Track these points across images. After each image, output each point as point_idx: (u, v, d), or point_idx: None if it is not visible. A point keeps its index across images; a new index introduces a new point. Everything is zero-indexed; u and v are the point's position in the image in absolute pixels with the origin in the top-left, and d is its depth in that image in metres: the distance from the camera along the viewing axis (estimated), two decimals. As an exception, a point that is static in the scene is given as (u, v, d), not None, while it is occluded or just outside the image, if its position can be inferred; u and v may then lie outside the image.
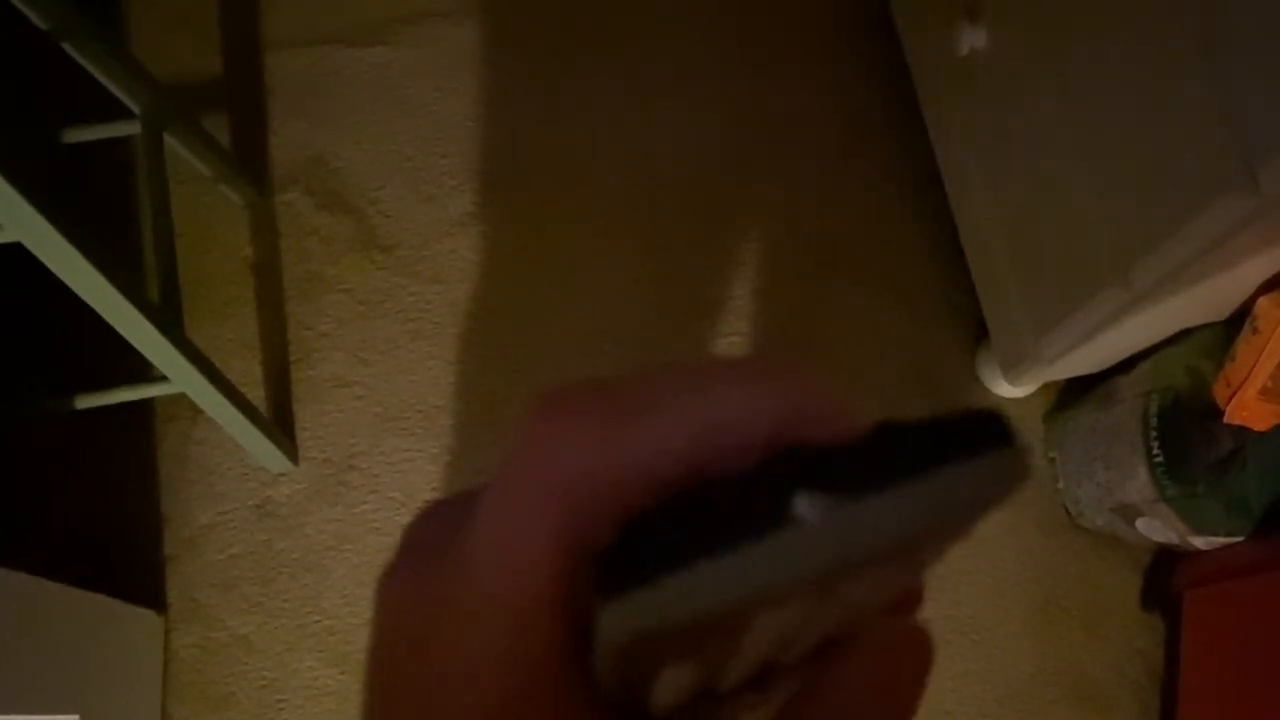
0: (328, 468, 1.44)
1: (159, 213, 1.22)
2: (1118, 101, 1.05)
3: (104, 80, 1.20)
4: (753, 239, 1.57)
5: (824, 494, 0.17)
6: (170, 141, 1.30)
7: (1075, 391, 1.48)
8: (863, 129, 1.63)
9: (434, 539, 0.22)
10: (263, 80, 1.61)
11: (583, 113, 1.62)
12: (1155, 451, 1.24)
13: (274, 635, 1.37)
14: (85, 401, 1.23)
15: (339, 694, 1.35)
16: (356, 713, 0.22)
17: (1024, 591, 1.44)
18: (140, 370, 1.18)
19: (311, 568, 1.40)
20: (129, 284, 1.01)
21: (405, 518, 0.24)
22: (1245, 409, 1.14)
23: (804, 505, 0.17)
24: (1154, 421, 1.25)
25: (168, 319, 1.09)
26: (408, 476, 1.44)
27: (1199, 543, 1.28)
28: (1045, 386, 1.49)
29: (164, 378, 1.16)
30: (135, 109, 1.25)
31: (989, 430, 0.19)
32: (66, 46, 1.12)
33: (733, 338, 1.53)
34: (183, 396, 1.19)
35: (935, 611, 1.42)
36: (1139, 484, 1.27)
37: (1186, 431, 1.23)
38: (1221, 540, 1.26)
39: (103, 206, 1.53)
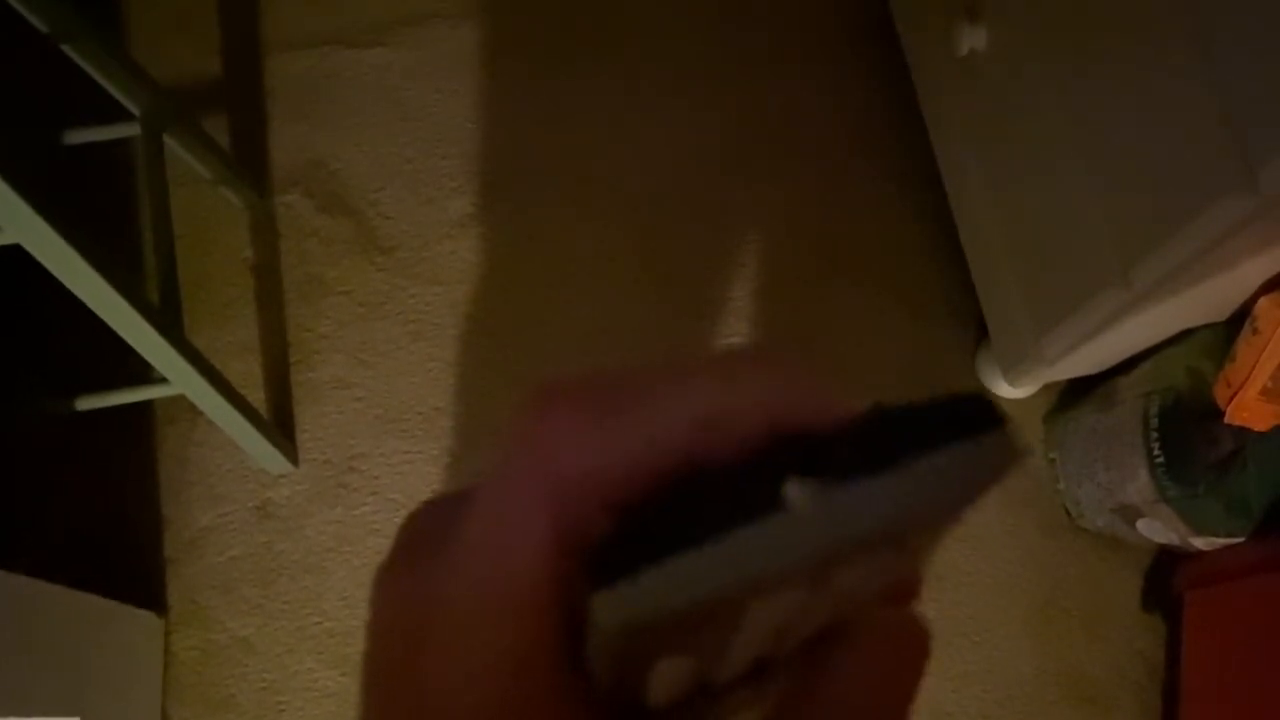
0: (328, 469, 1.44)
1: (159, 215, 1.22)
2: (1117, 102, 1.05)
3: (104, 82, 1.20)
4: (753, 239, 1.57)
5: (814, 480, 0.17)
6: (170, 143, 1.30)
7: (1075, 392, 1.48)
8: (863, 129, 1.63)
9: (430, 537, 0.22)
10: (262, 82, 1.61)
11: (583, 113, 1.62)
12: (1156, 452, 1.24)
13: (274, 637, 1.37)
14: (85, 403, 1.23)
15: (339, 696, 1.35)
16: (356, 714, 0.22)
17: (1024, 592, 1.44)
18: (140, 372, 1.18)
19: (312, 569, 1.40)
20: (129, 286, 1.01)
21: (405, 519, 0.24)
22: (1246, 409, 1.14)
23: (795, 491, 0.17)
24: (1154, 422, 1.25)
25: (167, 321, 1.09)
26: (408, 478, 1.44)
27: (1199, 543, 1.28)
28: (1046, 387, 1.49)
29: (164, 380, 1.16)
30: (135, 111, 1.25)
31: (978, 413, 0.19)
32: (66, 49, 1.12)
33: (733, 338, 1.53)
34: (183, 398, 1.19)
35: (935, 612, 1.41)
36: (1139, 485, 1.27)
37: (1187, 432, 1.23)
38: (1222, 541, 1.26)
39: (102, 208, 1.53)
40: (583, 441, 0.19)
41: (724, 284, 1.55)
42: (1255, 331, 1.13)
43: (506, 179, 1.59)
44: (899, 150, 1.61)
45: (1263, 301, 1.14)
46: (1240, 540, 1.25)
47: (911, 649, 0.22)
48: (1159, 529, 1.30)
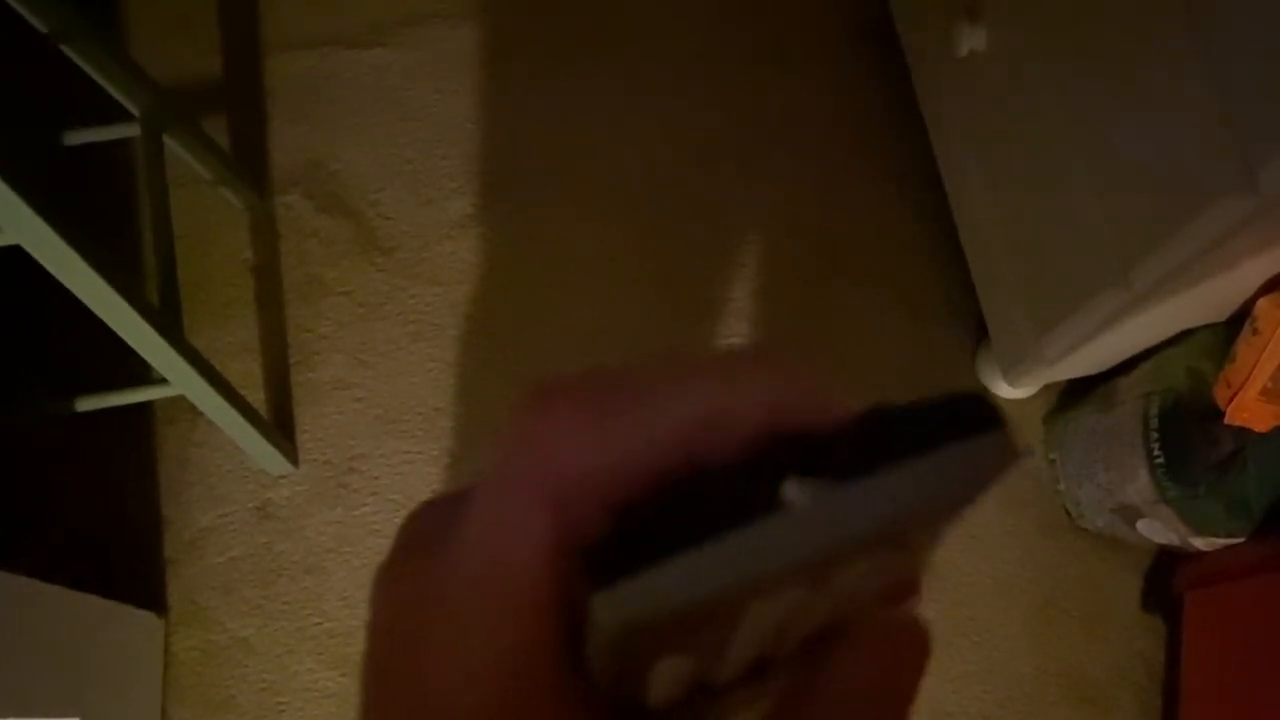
0: (328, 470, 1.44)
1: (158, 215, 1.22)
2: (1117, 102, 1.05)
3: (103, 83, 1.20)
4: (753, 239, 1.57)
5: (813, 479, 0.17)
6: (170, 144, 1.30)
7: (1075, 393, 1.48)
8: (863, 129, 1.63)
9: (429, 537, 0.22)
10: (262, 83, 1.61)
11: (583, 113, 1.62)
12: (1156, 453, 1.24)
13: (274, 638, 1.37)
14: (85, 404, 1.23)
15: (339, 696, 1.35)
16: (356, 714, 0.22)
17: (1025, 593, 1.44)
18: (140, 373, 1.18)
19: (312, 570, 1.39)
20: (128, 287, 1.01)
21: (405, 519, 0.24)
22: (1246, 410, 1.14)
23: (793, 491, 0.17)
24: (1154, 423, 1.25)
25: (167, 321, 1.09)
26: (408, 479, 1.44)
27: (1199, 544, 1.28)
28: (1045, 388, 1.49)
29: (164, 380, 1.16)
30: (135, 111, 1.25)
31: (977, 414, 0.19)
32: (66, 49, 1.12)
33: (733, 338, 1.53)
34: (183, 399, 1.19)
35: (935, 612, 1.41)
36: (1140, 485, 1.27)
37: (1187, 433, 1.23)
38: (1222, 541, 1.26)
39: (102, 209, 1.53)
40: (582, 441, 0.19)
41: (724, 284, 1.55)
42: (1255, 332, 1.13)
43: (506, 179, 1.59)
44: (899, 150, 1.61)
45: (1262, 302, 1.14)
46: (1240, 541, 1.25)
47: (912, 649, 0.22)
48: (1159, 529, 1.30)
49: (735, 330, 1.53)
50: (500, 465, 0.19)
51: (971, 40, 1.27)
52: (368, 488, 1.43)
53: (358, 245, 1.54)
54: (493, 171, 1.59)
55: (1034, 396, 1.50)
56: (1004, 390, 1.46)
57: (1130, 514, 1.32)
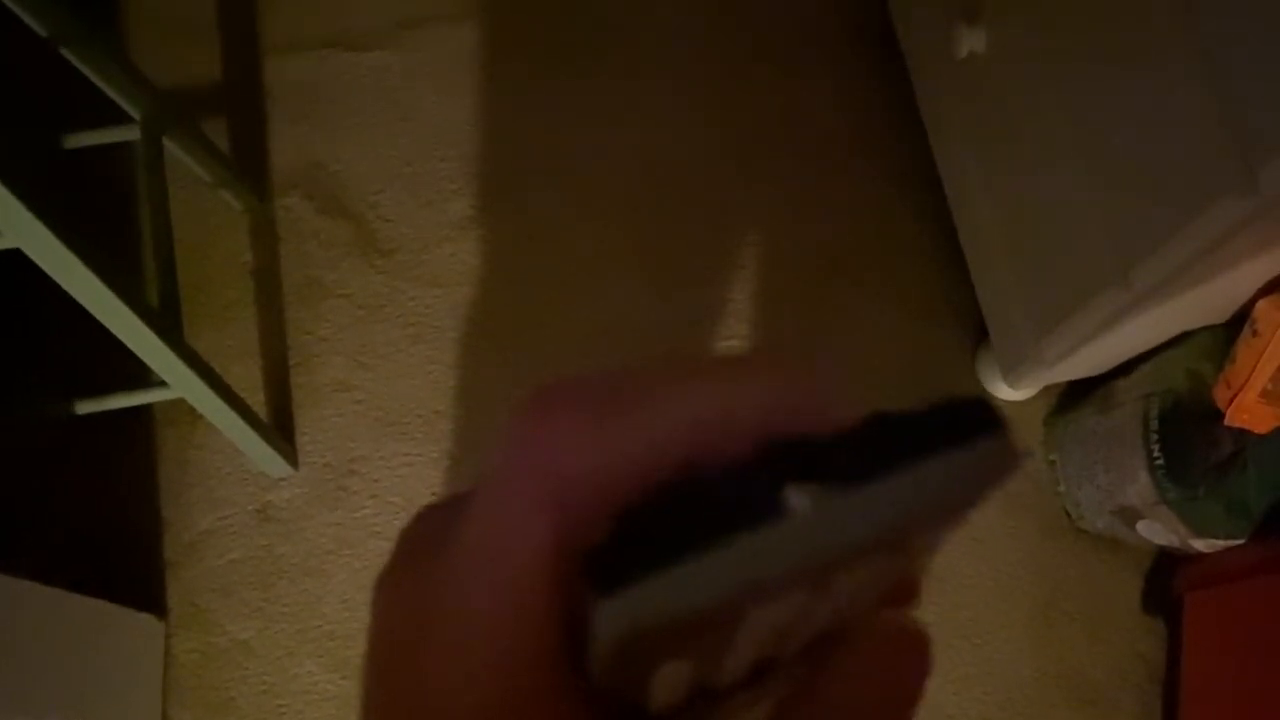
0: (328, 472, 1.44)
1: (158, 218, 1.22)
2: (1117, 103, 1.05)
3: (103, 86, 1.20)
4: (753, 240, 1.57)
5: (814, 484, 0.17)
6: (170, 146, 1.30)
7: (1075, 394, 1.48)
8: (863, 129, 1.63)
9: (428, 541, 0.22)
10: (262, 85, 1.62)
11: (583, 114, 1.62)
12: (1156, 454, 1.24)
13: (274, 640, 1.37)
14: (84, 407, 1.23)
15: (339, 699, 1.35)
16: (356, 716, 0.23)
17: (1025, 594, 1.44)
18: (140, 375, 1.18)
19: (312, 572, 1.39)
20: (128, 289, 1.01)
21: (405, 522, 0.24)
22: (1245, 411, 1.14)
23: (795, 496, 0.17)
24: (1154, 424, 1.25)
25: (167, 324, 1.09)
26: (408, 481, 1.44)
27: (1200, 545, 1.28)
28: (1045, 389, 1.49)
29: (163, 383, 1.16)
30: (135, 114, 1.25)
31: (978, 418, 0.19)
32: (65, 52, 1.12)
33: (733, 339, 1.53)
34: (182, 401, 1.19)
35: (936, 614, 1.41)
36: (1140, 487, 1.27)
37: (1187, 434, 1.23)
38: (1222, 543, 1.26)
39: (102, 212, 1.53)
40: (582, 443, 0.18)
41: (724, 284, 1.55)
42: (1255, 334, 1.14)
43: (506, 180, 1.59)
44: (899, 151, 1.61)
45: (1262, 304, 1.14)
46: (1240, 542, 1.25)
47: (913, 653, 0.22)
48: (1159, 531, 1.30)
49: (735, 331, 1.53)
50: (500, 467, 0.19)
51: (971, 42, 1.27)
52: (368, 490, 1.43)
53: (357, 247, 1.54)
54: (492, 173, 1.59)
55: (1034, 398, 1.50)
56: (1004, 391, 1.46)
57: (1130, 515, 1.32)
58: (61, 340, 1.42)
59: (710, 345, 1.54)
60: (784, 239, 1.58)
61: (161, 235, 1.21)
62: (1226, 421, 1.16)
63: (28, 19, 1.08)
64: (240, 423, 1.26)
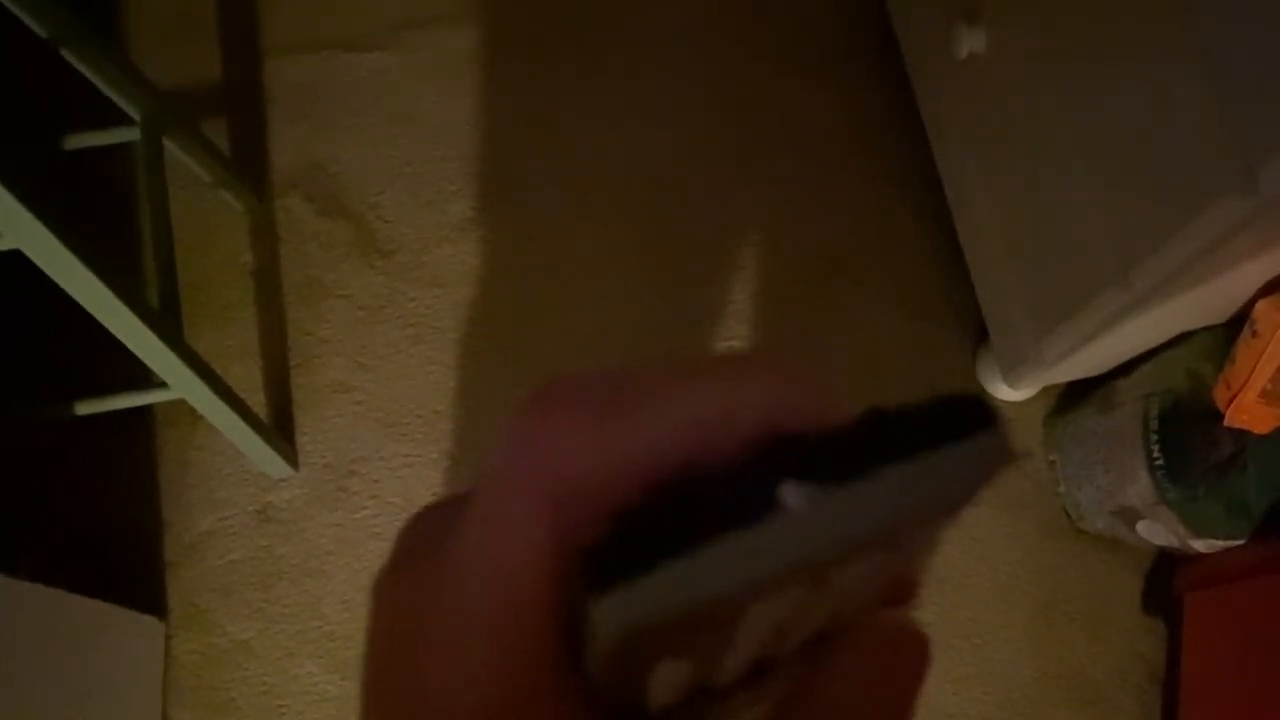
0: (328, 473, 1.44)
1: (158, 219, 1.22)
2: (1117, 103, 1.05)
3: (103, 87, 1.20)
4: (754, 241, 1.57)
5: (809, 482, 0.17)
6: (170, 147, 1.30)
7: (1075, 395, 1.48)
8: (863, 130, 1.63)
9: (427, 541, 0.22)
10: (262, 85, 1.62)
11: (583, 114, 1.62)
12: (1155, 454, 1.24)
13: (275, 641, 1.37)
14: (85, 408, 1.23)
15: (339, 700, 1.35)
16: (356, 717, 0.23)
17: (1025, 595, 1.44)
18: (140, 376, 1.18)
19: (312, 573, 1.40)
20: (128, 290, 1.01)
21: (404, 523, 0.24)
22: (1245, 412, 1.14)
23: (790, 494, 0.17)
24: (1154, 424, 1.25)
25: (167, 325, 1.09)
26: (408, 482, 1.44)
27: (1199, 545, 1.28)
28: (1045, 390, 1.49)
29: (163, 384, 1.16)
30: (135, 115, 1.26)
31: (972, 414, 0.19)
32: (65, 53, 1.13)
33: (733, 339, 1.53)
34: (183, 402, 1.20)
35: (936, 615, 1.41)
36: (1139, 487, 1.27)
37: (1187, 434, 1.23)
38: (1222, 543, 1.26)
39: (102, 213, 1.53)
40: (582, 443, 0.19)
41: (724, 285, 1.55)
42: (1254, 334, 1.14)
43: (506, 181, 1.59)
44: (899, 150, 1.61)
45: (1261, 304, 1.14)
46: (1240, 542, 1.25)
47: (912, 652, 0.22)
48: (1159, 531, 1.30)
49: (735, 331, 1.53)
50: (499, 467, 0.19)
51: (971, 42, 1.27)
52: (368, 491, 1.43)
53: (357, 248, 1.54)
54: (492, 173, 1.59)
55: (1034, 398, 1.50)
56: (1004, 392, 1.46)
57: (1130, 516, 1.32)
58: (62, 341, 1.42)
59: (710, 345, 1.54)
60: (784, 239, 1.58)
61: (161, 236, 1.21)
62: (1226, 422, 1.16)
63: (28, 20, 1.08)
64: (240, 423, 1.26)
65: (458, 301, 1.52)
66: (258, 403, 1.45)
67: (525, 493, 0.19)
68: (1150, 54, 0.98)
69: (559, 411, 0.19)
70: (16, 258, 0.93)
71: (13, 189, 0.85)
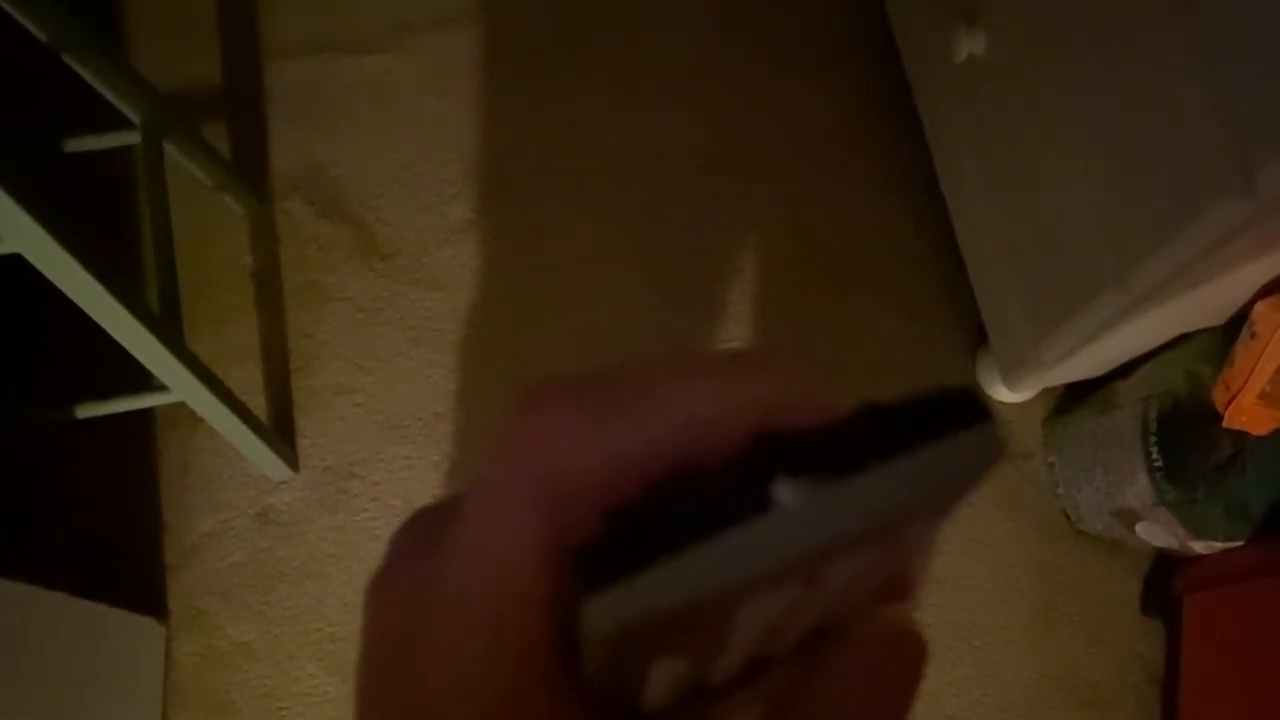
0: (328, 475, 1.44)
1: (159, 222, 1.22)
2: (1115, 105, 1.05)
3: (103, 90, 1.20)
4: (754, 244, 1.57)
5: (803, 478, 0.17)
6: (170, 150, 1.30)
7: (1074, 396, 1.48)
8: (862, 131, 1.63)
9: (422, 542, 0.22)
10: (262, 88, 1.62)
11: (583, 116, 1.62)
12: (1155, 456, 1.24)
13: (275, 643, 1.37)
14: (85, 411, 1.23)
15: (340, 702, 1.35)
16: (353, 718, 0.23)
17: (1024, 596, 1.44)
18: (141, 379, 1.18)
19: (312, 575, 1.40)
20: (128, 294, 1.01)
21: (399, 524, 0.24)
22: (1244, 414, 1.14)
23: (783, 490, 0.17)
24: (1153, 426, 1.25)
25: (167, 328, 1.09)
26: (408, 484, 1.44)
27: (1198, 547, 1.28)
28: (1044, 391, 1.49)
29: (164, 387, 1.16)
30: (135, 118, 1.26)
31: (964, 408, 0.19)
32: (66, 57, 1.13)
33: (733, 341, 1.53)
34: (183, 405, 1.20)
35: (936, 616, 1.41)
36: (1138, 489, 1.27)
37: (1186, 436, 1.23)
38: (1221, 545, 1.26)
39: (102, 216, 1.53)
40: (577, 441, 0.18)
41: (724, 286, 1.55)
42: (1253, 336, 1.14)
43: (506, 183, 1.59)
44: (898, 152, 1.61)
45: (1260, 306, 1.14)
46: (1239, 544, 1.25)
47: (908, 651, 0.22)
48: (1158, 533, 1.30)
49: (735, 333, 1.53)
50: (495, 466, 0.19)
51: (970, 44, 1.27)
52: (368, 493, 1.43)
53: (357, 250, 1.54)
54: (492, 175, 1.59)
55: (1033, 400, 1.50)
56: (1003, 393, 1.46)
57: (1129, 517, 1.32)
58: (62, 344, 1.42)
59: (710, 345, 1.54)
60: (784, 241, 1.58)
61: (162, 239, 1.21)
62: (1225, 423, 1.16)
63: (28, 24, 1.08)
64: (241, 426, 1.26)
65: (458, 303, 1.52)
66: (258, 405, 1.45)
67: (520, 491, 0.19)
68: (1149, 57, 0.98)
69: (554, 410, 0.19)
70: (17, 261, 0.93)
71: (13, 193, 0.86)
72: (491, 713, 0.19)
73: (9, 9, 1.04)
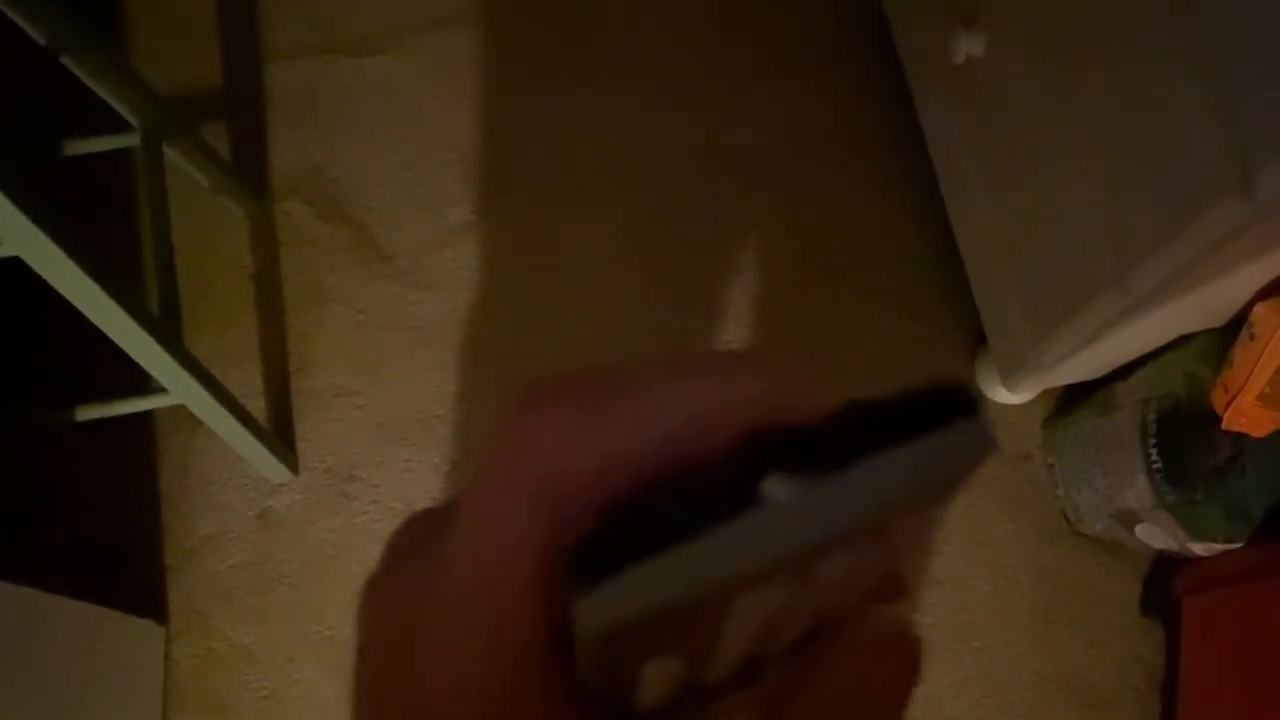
0: (328, 477, 1.44)
1: (158, 224, 1.22)
2: (1114, 107, 1.05)
3: (103, 93, 1.20)
4: (753, 245, 1.57)
5: (794, 474, 0.17)
6: (169, 152, 1.30)
7: (1074, 398, 1.48)
8: (862, 131, 1.64)
9: (418, 544, 0.22)
10: (262, 90, 1.62)
11: (582, 120, 1.62)
12: (1154, 458, 1.24)
13: (275, 645, 1.37)
14: (85, 414, 1.23)
15: (340, 703, 1.35)
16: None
17: (1024, 598, 1.44)
18: (141, 382, 1.18)
19: (312, 577, 1.40)
20: (128, 297, 1.01)
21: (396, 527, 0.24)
22: (1243, 415, 1.14)
23: (774, 487, 0.17)
24: (1153, 428, 1.25)
25: (167, 331, 1.09)
26: (408, 486, 1.44)
27: (1198, 549, 1.28)
28: (1044, 393, 1.49)
29: (164, 389, 1.16)
30: (134, 121, 1.26)
31: (955, 402, 0.19)
32: (65, 60, 1.13)
33: (733, 342, 1.53)
34: (183, 407, 1.20)
35: (936, 618, 1.41)
36: (1138, 490, 1.27)
37: (1185, 438, 1.23)
38: (1220, 546, 1.26)
39: (102, 218, 1.53)
40: (571, 441, 0.18)
41: (724, 286, 1.55)
42: (1252, 337, 1.14)
43: (505, 185, 1.59)
44: (898, 153, 1.61)
45: (1259, 307, 1.14)
46: (1238, 545, 1.25)
47: (904, 650, 0.22)
48: (1157, 534, 1.30)
49: (735, 333, 1.53)
50: (490, 466, 0.19)
51: (969, 46, 1.27)
52: (368, 495, 1.43)
53: (357, 252, 1.54)
54: (492, 177, 1.59)
55: (1032, 401, 1.50)
56: (1002, 395, 1.46)
57: (1129, 519, 1.32)
58: (62, 346, 1.42)
59: (710, 346, 1.54)
60: (784, 241, 1.58)
61: (161, 241, 1.21)
62: (1224, 425, 1.16)
63: (27, 26, 1.08)
64: (240, 428, 1.26)
65: (457, 305, 1.52)
66: (258, 407, 1.45)
67: (515, 491, 0.18)
68: (1148, 58, 0.98)
69: (549, 410, 0.19)
70: (17, 263, 0.93)
71: (12, 195, 0.86)
72: (489, 713, 0.19)
73: (8, 11, 1.04)
